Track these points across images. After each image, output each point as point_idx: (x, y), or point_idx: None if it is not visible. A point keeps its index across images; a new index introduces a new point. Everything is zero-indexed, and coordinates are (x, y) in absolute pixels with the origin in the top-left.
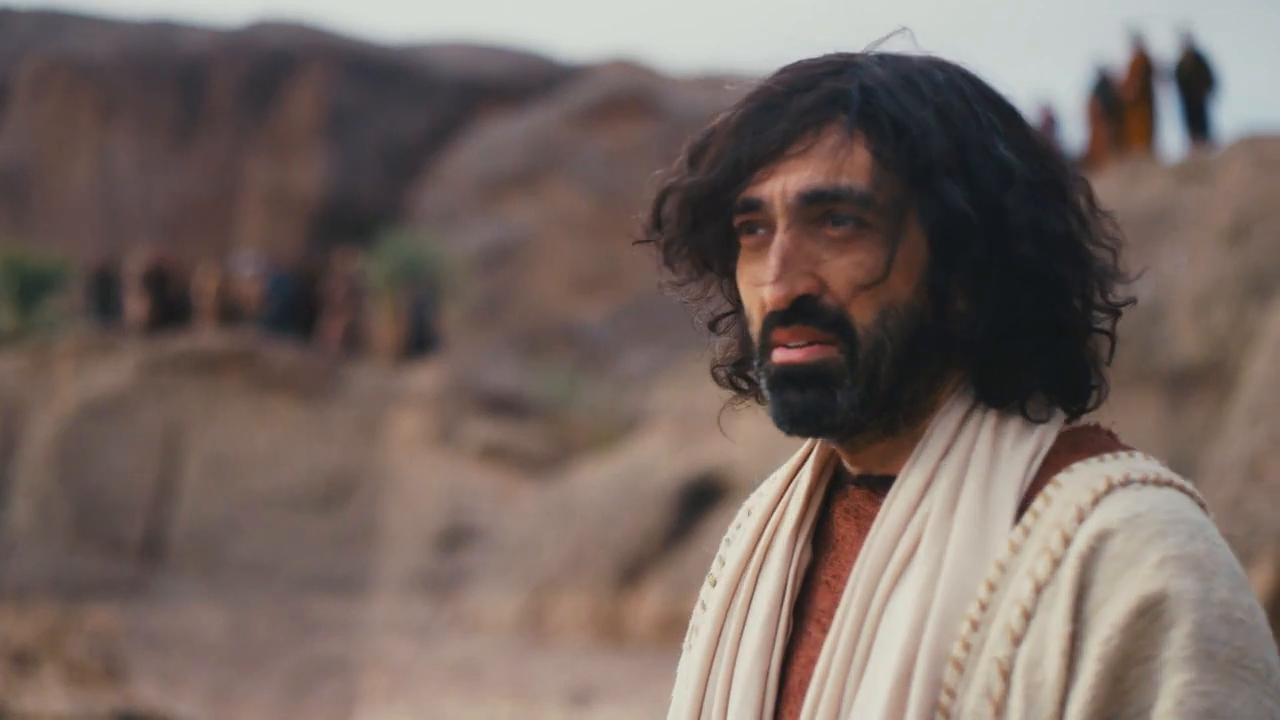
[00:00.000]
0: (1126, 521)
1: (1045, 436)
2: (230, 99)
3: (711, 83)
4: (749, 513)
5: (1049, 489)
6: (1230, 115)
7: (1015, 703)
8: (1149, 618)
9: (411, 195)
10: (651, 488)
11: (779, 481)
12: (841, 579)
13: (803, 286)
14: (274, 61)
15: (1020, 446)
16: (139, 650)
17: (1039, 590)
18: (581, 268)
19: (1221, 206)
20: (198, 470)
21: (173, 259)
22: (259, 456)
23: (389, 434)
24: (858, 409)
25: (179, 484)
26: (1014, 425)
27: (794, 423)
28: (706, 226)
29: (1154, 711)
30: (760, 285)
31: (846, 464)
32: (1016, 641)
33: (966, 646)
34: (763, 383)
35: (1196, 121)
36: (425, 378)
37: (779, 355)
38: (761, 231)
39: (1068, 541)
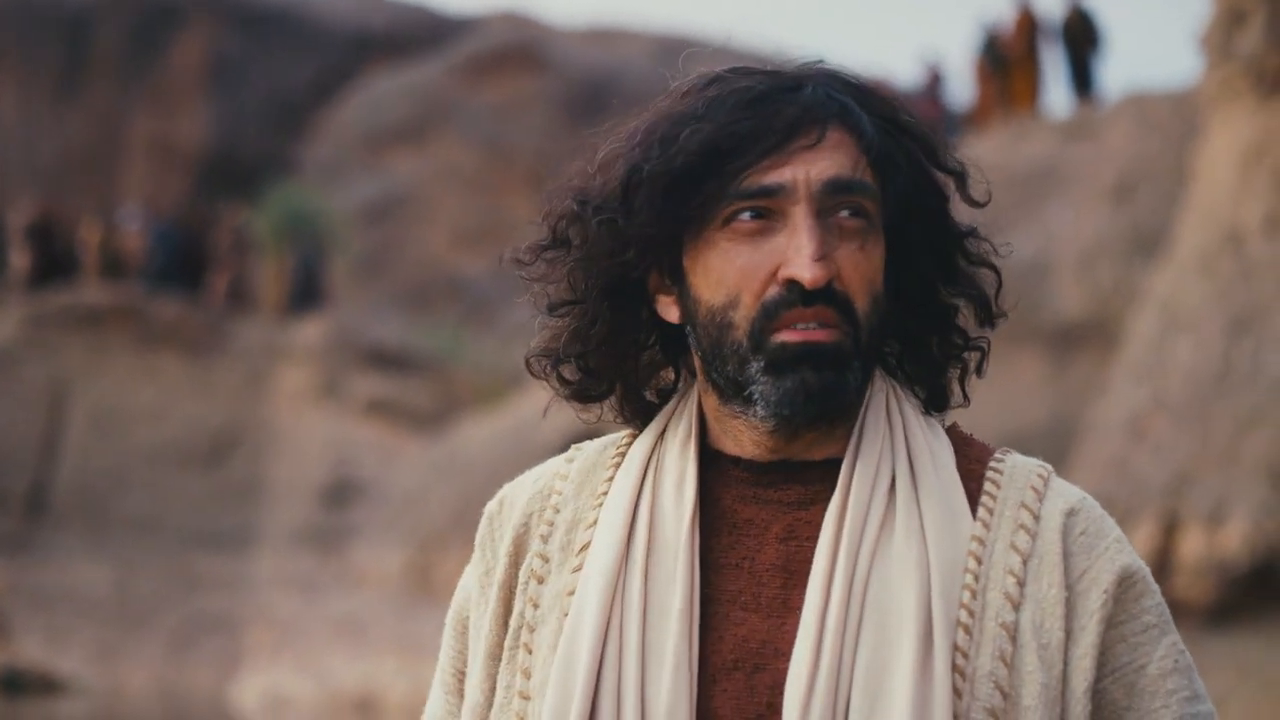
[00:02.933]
0: (1080, 502)
1: (942, 429)
2: (115, 50)
3: (598, 36)
4: (557, 510)
5: (991, 474)
6: (1116, 74)
7: (1029, 661)
8: (1124, 587)
9: (297, 148)
10: (537, 442)
11: (632, 472)
12: (757, 561)
13: (833, 269)
14: (159, 12)
15: (938, 435)
16: (24, 607)
17: (1025, 561)
18: (467, 222)
19: (1106, 165)
20: (82, 425)
21: (57, 212)
22: (144, 412)
23: (274, 389)
24: (858, 391)
25: (64, 439)
26: (922, 417)
27: (810, 401)
28: (684, 205)
29: (1150, 668)
30: (757, 270)
31: (758, 450)
32: (1016, 607)
33: (971, 613)
34: (755, 367)
35: (1082, 80)
36: (310, 332)
37: (793, 335)
38: (763, 218)
39: (1037, 518)
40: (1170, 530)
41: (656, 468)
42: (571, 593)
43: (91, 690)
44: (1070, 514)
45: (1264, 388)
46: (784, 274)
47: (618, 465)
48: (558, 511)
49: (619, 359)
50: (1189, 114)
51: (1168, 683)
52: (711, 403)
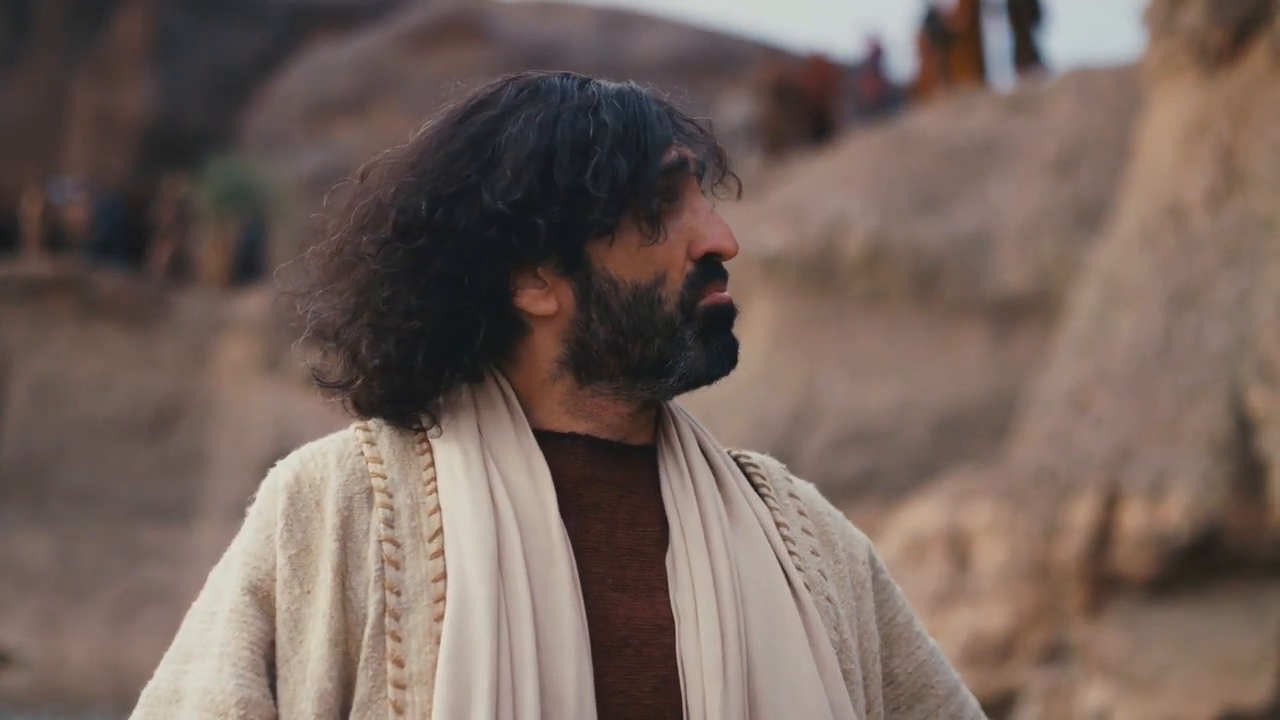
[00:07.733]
0: (813, 487)
1: None
2: (58, 20)
3: (541, 9)
4: (389, 493)
5: (748, 466)
6: (1060, 48)
7: (845, 629)
8: (870, 554)
9: (240, 120)
10: None
11: (470, 453)
12: (614, 543)
13: None
14: None
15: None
16: None
17: (817, 540)
18: None
19: (1049, 138)
20: (24, 398)
21: None
22: (86, 384)
23: (216, 361)
24: None
25: (5, 412)
26: None
27: (731, 359)
28: (622, 198)
29: (899, 618)
30: (677, 248)
31: (618, 420)
32: (826, 580)
33: (807, 587)
34: (689, 334)
35: (1025, 54)
36: (252, 304)
37: (717, 297)
38: (670, 203)
39: (800, 506)
40: (1111, 503)
41: (490, 450)
42: (437, 579)
43: (34, 662)
44: (817, 498)
45: (1205, 361)
46: (704, 248)
47: (428, 449)
48: (390, 495)
49: (444, 350)
50: (1132, 88)
51: (914, 625)
52: (564, 386)
